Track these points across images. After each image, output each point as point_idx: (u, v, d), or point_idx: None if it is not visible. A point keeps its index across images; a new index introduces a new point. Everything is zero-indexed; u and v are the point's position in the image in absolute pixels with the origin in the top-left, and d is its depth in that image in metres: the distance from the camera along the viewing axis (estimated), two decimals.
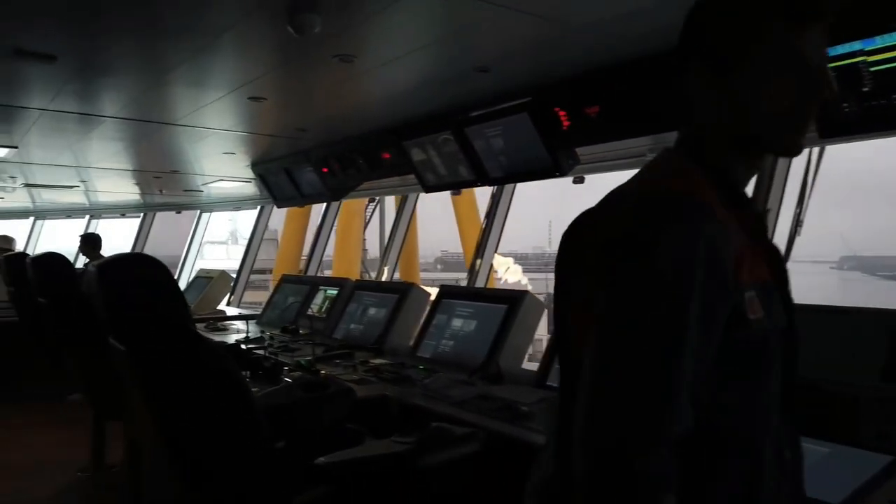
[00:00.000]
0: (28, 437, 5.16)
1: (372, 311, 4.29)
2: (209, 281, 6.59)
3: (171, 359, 1.57)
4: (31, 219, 12.95)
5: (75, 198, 9.82)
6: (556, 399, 1.10)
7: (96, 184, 7.87)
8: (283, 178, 5.35)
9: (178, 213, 10.31)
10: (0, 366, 6.23)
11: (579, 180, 4.41)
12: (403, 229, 7.27)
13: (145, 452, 2.45)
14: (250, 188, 8.07)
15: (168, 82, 3.10)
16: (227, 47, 2.63)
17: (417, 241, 20.35)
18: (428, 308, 4.12)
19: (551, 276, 1.15)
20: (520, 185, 5.48)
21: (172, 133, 4.29)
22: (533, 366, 3.34)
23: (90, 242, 6.61)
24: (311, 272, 8.22)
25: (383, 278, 7.09)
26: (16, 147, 4.82)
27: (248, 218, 10.57)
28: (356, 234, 17.39)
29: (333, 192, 4.99)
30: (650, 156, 4.27)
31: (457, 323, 3.56)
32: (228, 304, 7.30)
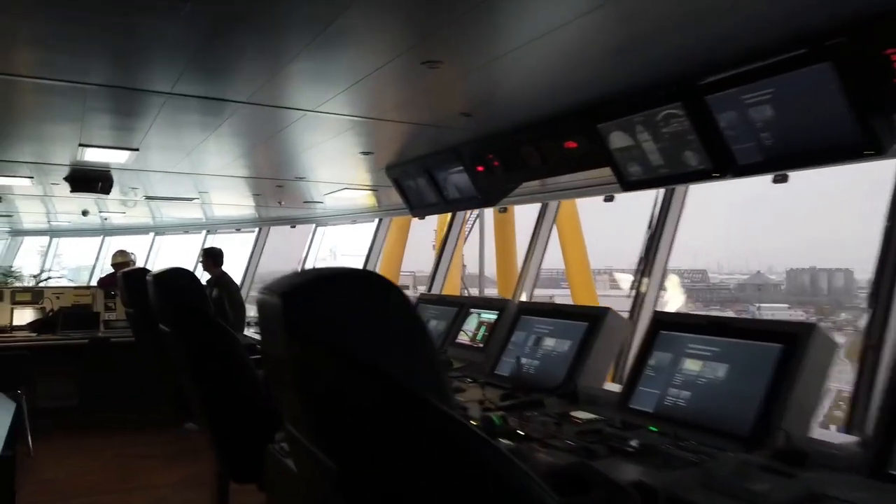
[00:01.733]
0: (148, 474, 4.60)
1: (549, 342, 3.37)
2: None
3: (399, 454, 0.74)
4: (151, 234, 13.08)
5: (193, 212, 9.61)
6: None
7: (213, 196, 7.49)
8: (423, 181, 4.57)
9: (293, 227, 9.89)
10: (122, 388, 5.84)
11: (781, 178, 3.28)
12: (543, 241, 6.37)
13: None
14: (370, 199, 7.44)
15: (302, 59, 2.36)
16: None
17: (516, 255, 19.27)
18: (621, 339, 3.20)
19: None
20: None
21: (307, 126, 3.60)
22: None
23: (212, 256, 6.10)
24: (435, 290, 7.46)
25: (523, 297, 6.20)
26: (136, 150, 4.32)
27: (342, 233, 9.97)
28: (457, 249, 16.63)
29: (486, 196, 4.15)
30: None
31: (691, 366, 2.58)
32: None
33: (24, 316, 6.08)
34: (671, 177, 2.88)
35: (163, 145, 4.24)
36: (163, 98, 3.01)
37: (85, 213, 9.37)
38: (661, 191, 5.10)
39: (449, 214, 6.96)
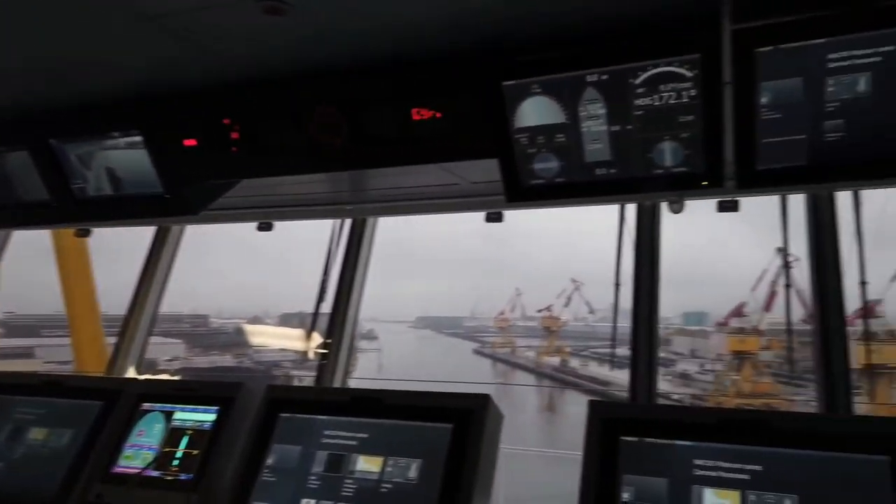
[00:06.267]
0: None
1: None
2: None
3: None
4: None
5: None
6: None
7: None
8: (21, 158, 2.26)
9: None
10: None
11: (495, 217, 2.71)
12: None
13: None
14: None
15: None
16: None
17: None
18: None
19: None
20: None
21: None
22: None
23: None
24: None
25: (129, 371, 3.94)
26: None
27: None
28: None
29: (178, 197, 2.22)
30: None
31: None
32: None
33: None
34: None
35: None
36: None
37: None
38: None
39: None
